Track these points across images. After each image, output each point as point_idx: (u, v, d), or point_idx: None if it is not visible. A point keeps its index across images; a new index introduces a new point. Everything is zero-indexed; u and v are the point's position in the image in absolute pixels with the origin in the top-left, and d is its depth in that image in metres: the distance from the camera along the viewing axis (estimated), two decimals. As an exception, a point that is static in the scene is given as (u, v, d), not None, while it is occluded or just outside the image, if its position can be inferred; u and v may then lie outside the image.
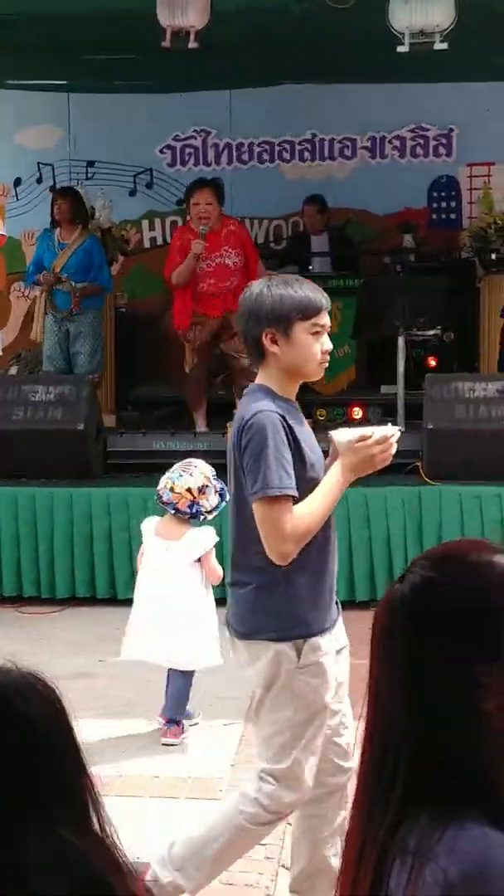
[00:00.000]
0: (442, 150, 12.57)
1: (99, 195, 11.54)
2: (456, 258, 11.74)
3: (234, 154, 12.83)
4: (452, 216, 12.60)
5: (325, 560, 3.91)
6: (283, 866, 4.59)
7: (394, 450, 3.86)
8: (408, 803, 1.66)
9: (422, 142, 12.60)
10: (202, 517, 6.01)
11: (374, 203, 12.41)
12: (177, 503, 5.95)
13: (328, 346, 3.90)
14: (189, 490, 5.94)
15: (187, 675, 6.02)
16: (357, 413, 9.68)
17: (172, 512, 5.99)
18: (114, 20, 9.55)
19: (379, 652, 1.75)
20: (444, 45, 8.28)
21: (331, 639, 3.89)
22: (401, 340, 9.22)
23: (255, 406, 3.80)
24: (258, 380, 3.96)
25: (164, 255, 9.97)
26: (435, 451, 8.21)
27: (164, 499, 6.00)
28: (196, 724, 6.20)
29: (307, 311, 3.83)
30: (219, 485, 6.05)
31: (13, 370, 11.49)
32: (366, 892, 1.68)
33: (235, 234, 9.52)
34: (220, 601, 6.20)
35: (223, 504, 6.06)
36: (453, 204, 12.61)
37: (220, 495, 6.01)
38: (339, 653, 3.97)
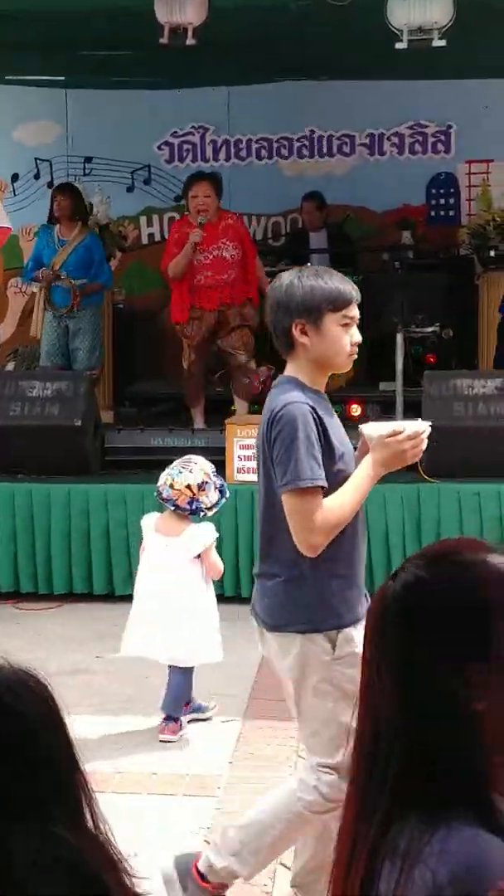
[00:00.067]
0: (440, 146, 12.57)
1: (96, 191, 11.53)
2: (454, 255, 11.75)
3: (233, 151, 12.83)
4: (451, 213, 12.60)
5: (355, 552, 3.92)
6: (281, 864, 4.58)
7: (424, 445, 3.87)
8: (398, 803, 1.65)
9: (420, 139, 12.60)
10: (202, 514, 6.01)
11: (372, 200, 12.40)
12: (176, 500, 5.95)
13: (357, 337, 3.91)
14: (189, 486, 5.94)
15: (187, 672, 6.02)
16: (356, 410, 9.67)
17: (172, 508, 5.99)
18: (112, 17, 9.54)
19: (371, 650, 1.75)
20: (443, 42, 8.27)
21: (362, 630, 3.90)
22: (399, 337, 9.21)
23: (285, 397, 3.81)
24: (287, 371, 3.96)
25: (161, 252, 9.95)
26: (434, 448, 8.17)
27: (164, 495, 6.00)
28: (209, 718, 6.21)
29: (338, 303, 3.84)
30: (218, 481, 6.07)
31: (10, 366, 11.47)
32: (356, 893, 1.67)
33: (234, 228, 9.52)
34: (220, 598, 6.24)
35: (223, 500, 6.08)
36: (452, 201, 12.61)
37: (220, 492, 6.03)
38: None
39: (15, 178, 13.02)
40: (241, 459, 8.31)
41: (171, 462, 6.21)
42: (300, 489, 3.70)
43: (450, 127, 12.47)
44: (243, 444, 8.33)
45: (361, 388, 10.50)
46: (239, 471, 8.25)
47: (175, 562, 5.98)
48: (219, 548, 6.21)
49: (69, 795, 1.65)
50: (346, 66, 11.41)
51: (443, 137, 12.54)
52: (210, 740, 5.99)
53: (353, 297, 3.88)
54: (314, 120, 12.60)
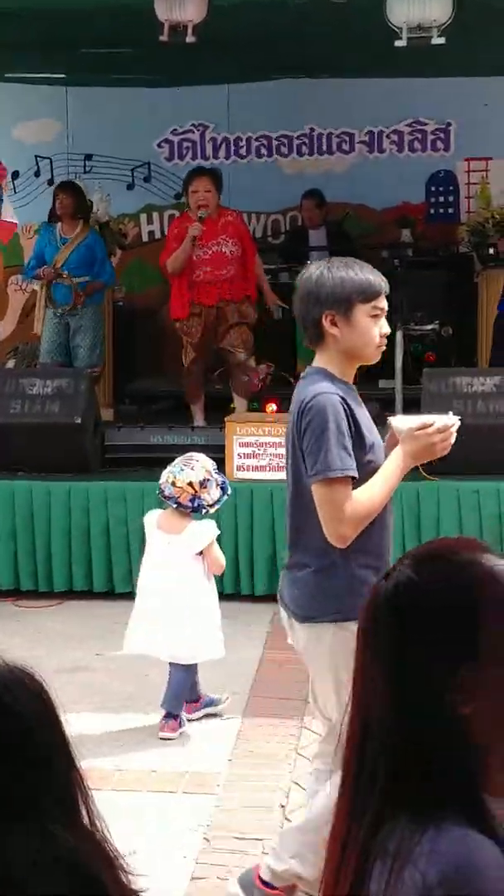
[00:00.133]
0: (440, 144, 12.57)
1: (97, 189, 11.54)
2: (454, 253, 11.75)
3: (232, 148, 12.83)
4: (450, 211, 12.60)
5: (384, 543, 3.94)
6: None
7: (453, 439, 3.88)
8: (389, 803, 1.65)
9: (420, 136, 12.60)
10: (204, 511, 6.03)
11: (371, 197, 12.40)
12: (178, 497, 5.97)
13: (386, 329, 3.94)
14: (190, 484, 5.96)
15: (188, 670, 6.03)
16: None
17: (174, 506, 6.01)
18: (112, 14, 9.53)
19: (363, 649, 1.75)
20: (442, 40, 8.27)
21: None
22: (399, 335, 9.20)
23: (315, 388, 3.82)
24: (316, 362, 3.98)
25: (161, 249, 9.95)
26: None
27: (166, 493, 6.02)
28: (219, 712, 6.22)
29: (368, 294, 3.87)
30: (220, 478, 6.09)
31: (10, 363, 11.48)
32: (346, 893, 1.68)
33: (233, 225, 9.52)
34: (220, 595, 6.24)
35: (225, 497, 6.10)
36: (451, 199, 12.61)
37: (222, 488, 6.05)
38: None
39: (15, 175, 13.00)
40: (240, 457, 8.32)
41: (171, 460, 6.23)
42: (330, 479, 3.72)
43: (449, 125, 12.47)
44: (243, 441, 8.33)
45: (360, 386, 10.33)
46: (238, 468, 8.26)
47: (177, 559, 6.00)
48: (219, 545, 6.22)
49: (66, 793, 1.66)
50: (346, 64, 11.40)
51: (442, 135, 12.54)
52: (210, 738, 6.00)
53: (383, 289, 3.91)
54: (314, 118, 12.60)
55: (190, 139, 12.90)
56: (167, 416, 10.42)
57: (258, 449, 8.31)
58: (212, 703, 6.22)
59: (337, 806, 1.74)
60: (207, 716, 6.22)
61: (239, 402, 9.75)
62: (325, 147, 12.72)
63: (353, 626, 3.82)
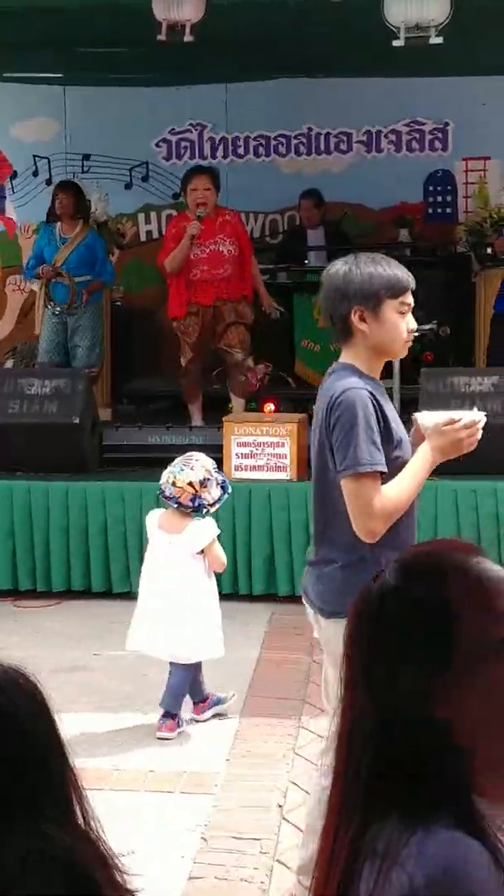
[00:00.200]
0: (438, 144, 12.56)
1: (95, 188, 11.54)
2: (452, 252, 11.75)
3: (230, 148, 12.82)
4: (448, 210, 12.59)
5: (410, 538, 3.94)
6: (278, 861, 4.60)
7: (479, 435, 3.89)
8: (375, 802, 1.65)
9: (417, 136, 12.59)
10: (205, 510, 6.04)
11: (369, 197, 12.39)
12: (179, 497, 5.98)
13: (413, 324, 3.95)
14: (191, 484, 5.97)
15: (188, 669, 6.03)
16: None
17: (175, 506, 6.02)
18: (110, 14, 9.54)
19: (349, 647, 1.75)
20: (440, 40, 8.27)
21: None
22: (397, 335, 9.21)
23: (344, 383, 3.84)
24: (343, 358, 3.99)
25: (159, 249, 9.95)
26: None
27: (167, 493, 6.03)
28: (226, 710, 6.22)
29: (396, 290, 3.88)
30: (220, 477, 6.11)
31: (9, 363, 11.48)
32: (334, 893, 1.68)
33: (231, 225, 9.53)
34: (218, 595, 6.25)
35: (225, 496, 6.12)
36: (449, 198, 12.61)
37: (222, 487, 6.07)
38: None
39: (13, 175, 13.01)
40: (238, 457, 8.32)
41: (169, 459, 6.24)
42: (359, 474, 3.73)
43: (447, 124, 12.46)
44: (241, 441, 8.33)
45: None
46: (237, 468, 8.26)
47: (178, 559, 6.01)
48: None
49: (60, 793, 1.66)
50: (344, 64, 11.40)
51: (440, 135, 12.53)
52: (207, 738, 6.00)
53: (411, 285, 3.93)
54: (312, 117, 12.59)
55: (188, 139, 12.89)
56: (165, 415, 10.42)
57: (256, 449, 8.32)
58: (219, 701, 6.23)
59: (328, 803, 1.74)
60: (223, 714, 6.23)
61: (236, 403, 9.75)
62: (323, 147, 12.72)
63: None
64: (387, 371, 9.31)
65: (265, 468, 8.29)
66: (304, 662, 6.89)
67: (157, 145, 12.90)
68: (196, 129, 12.87)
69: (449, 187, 12.58)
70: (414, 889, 1.54)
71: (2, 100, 12.75)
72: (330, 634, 3.95)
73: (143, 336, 12.09)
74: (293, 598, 8.04)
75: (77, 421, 8.82)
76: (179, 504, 6.01)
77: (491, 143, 12.09)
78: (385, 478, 3.78)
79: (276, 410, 9.04)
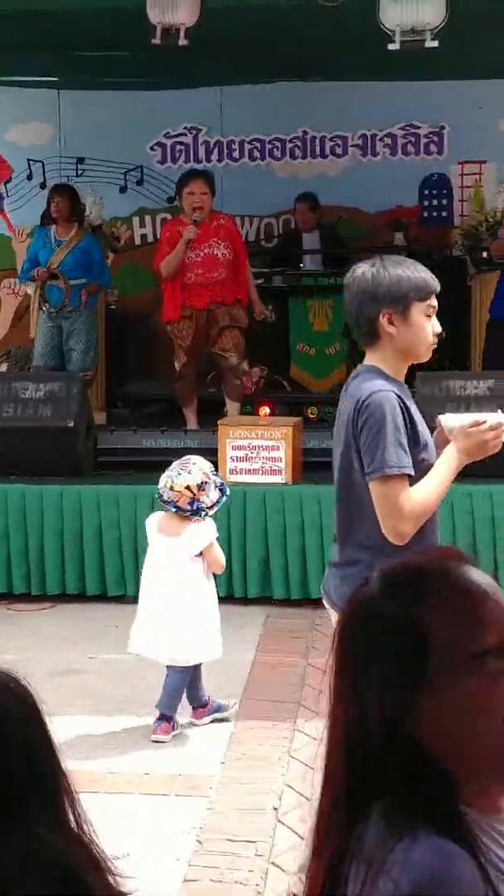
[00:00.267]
0: (433, 147, 12.56)
1: (89, 192, 11.53)
2: (447, 256, 11.74)
3: (225, 151, 12.81)
4: (444, 214, 12.59)
5: (435, 540, 3.97)
6: (273, 864, 4.59)
7: None
8: (362, 807, 1.65)
9: (413, 139, 12.58)
10: (203, 513, 6.03)
11: (365, 201, 12.39)
12: (177, 501, 5.99)
13: (438, 328, 3.96)
14: (188, 487, 5.97)
15: (186, 672, 6.03)
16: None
17: (174, 510, 6.02)
18: (104, 17, 9.54)
19: (335, 658, 1.75)
20: (435, 43, 8.29)
21: None
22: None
23: (371, 385, 3.84)
24: (368, 361, 4.00)
25: (154, 252, 9.96)
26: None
27: (165, 497, 6.03)
28: (227, 718, 6.21)
29: (424, 292, 3.91)
30: (218, 480, 6.12)
31: (3, 367, 11.47)
32: (318, 891, 1.68)
33: (225, 229, 9.54)
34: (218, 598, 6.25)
35: (224, 499, 6.12)
36: (444, 202, 12.60)
37: (221, 490, 6.08)
38: None
39: (8, 179, 13.00)
40: (233, 460, 8.32)
41: (164, 463, 6.26)
42: (387, 476, 3.75)
43: (443, 128, 12.46)
44: (236, 444, 8.33)
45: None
46: (232, 472, 8.26)
47: (177, 561, 6.02)
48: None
49: (52, 797, 1.65)
50: (339, 67, 11.41)
51: (435, 138, 12.53)
52: (202, 741, 5.99)
53: (436, 287, 3.95)
54: (307, 121, 12.58)
55: (183, 142, 12.88)
56: (160, 419, 10.43)
57: (251, 452, 8.32)
58: (220, 709, 6.22)
59: (318, 805, 1.74)
60: (226, 719, 6.21)
61: (231, 406, 9.74)
62: (318, 150, 12.71)
63: None
64: (382, 374, 9.38)
65: (260, 471, 8.29)
66: (300, 665, 6.89)
67: (151, 149, 12.89)
68: (191, 133, 12.86)
69: (444, 191, 12.58)
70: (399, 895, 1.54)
71: (-3, 104, 12.75)
72: None
73: (137, 340, 12.09)
74: (288, 602, 8.06)
75: (72, 424, 8.81)
76: (178, 508, 6.01)
77: (487, 147, 12.10)
78: (411, 480, 3.79)
79: (272, 414, 9.04)
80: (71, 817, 1.66)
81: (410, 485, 3.78)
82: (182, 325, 9.55)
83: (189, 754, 5.82)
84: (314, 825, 1.73)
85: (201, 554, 6.03)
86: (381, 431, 3.74)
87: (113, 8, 9.21)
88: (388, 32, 8.33)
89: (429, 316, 3.92)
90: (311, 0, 8.52)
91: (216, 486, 6.07)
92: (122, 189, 12.83)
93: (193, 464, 6.08)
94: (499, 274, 10.75)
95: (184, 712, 6.13)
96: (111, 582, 8.28)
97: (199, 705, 6.18)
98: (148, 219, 12.92)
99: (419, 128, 12.52)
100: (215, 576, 6.26)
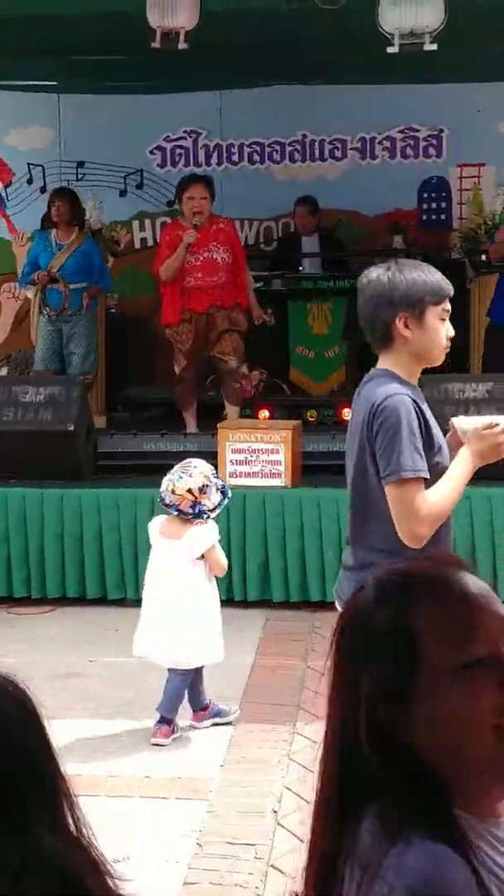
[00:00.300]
0: (432, 150, 12.57)
1: (89, 196, 11.53)
2: (446, 259, 11.72)
3: (225, 155, 12.82)
4: (443, 217, 12.60)
5: (449, 542, 3.98)
6: (272, 866, 4.60)
7: None
8: (356, 809, 1.66)
9: (412, 143, 12.60)
10: (205, 516, 6.04)
11: (364, 204, 12.40)
12: (179, 504, 5.99)
13: (451, 332, 3.96)
14: (190, 491, 5.98)
15: (187, 674, 6.03)
16: (348, 414, 9.65)
17: (175, 514, 6.02)
18: (104, 21, 9.55)
19: (332, 662, 1.76)
20: (434, 46, 8.29)
21: None
22: (391, 341, 9.20)
23: (386, 389, 3.84)
24: (382, 364, 4.00)
25: (154, 256, 9.97)
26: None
27: (167, 501, 6.04)
28: (230, 722, 6.21)
29: (439, 296, 3.90)
30: (219, 482, 6.12)
31: (3, 371, 11.49)
32: (313, 890, 1.69)
33: (225, 233, 9.54)
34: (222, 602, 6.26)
35: (225, 501, 6.12)
36: (443, 205, 12.61)
37: (222, 492, 6.08)
38: None
39: (8, 183, 13.01)
40: (233, 464, 8.33)
41: (164, 466, 6.26)
42: (403, 480, 3.75)
43: (441, 131, 12.47)
44: (236, 448, 8.34)
45: (353, 393, 10.48)
46: (231, 475, 8.26)
47: (178, 564, 6.02)
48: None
49: (51, 800, 1.65)
50: (339, 70, 11.42)
51: (434, 141, 12.54)
52: (202, 744, 6.00)
53: (450, 291, 3.95)
54: (306, 124, 12.60)
55: (182, 146, 12.89)
56: (160, 423, 10.43)
57: (251, 455, 8.32)
58: (220, 713, 6.22)
59: (314, 806, 1.75)
60: (229, 723, 6.21)
61: (230, 410, 9.75)
62: (317, 154, 12.72)
63: None
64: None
65: (260, 475, 8.29)
66: (299, 668, 6.89)
67: (151, 152, 12.90)
68: (191, 137, 12.87)
69: (443, 194, 12.59)
70: None
71: (-3, 108, 12.76)
72: None
73: (137, 343, 12.10)
74: (287, 605, 8.07)
75: (72, 428, 8.82)
76: (180, 511, 6.01)
77: (486, 150, 12.11)
78: (426, 484, 3.79)
79: (271, 417, 9.04)
80: (70, 821, 1.67)
81: (425, 488, 3.79)
82: (182, 329, 9.56)
83: (189, 757, 5.83)
84: (310, 825, 1.74)
85: (203, 557, 6.04)
86: (397, 435, 3.75)
87: (115, 12, 9.21)
88: (387, 35, 8.34)
89: (443, 319, 3.92)
90: (310, 3, 8.53)
91: (217, 489, 6.08)
92: (122, 193, 12.84)
93: (195, 467, 6.09)
94: (497, 276, 10.76)
95: (184, 715, 6.14)
96: (111, 585, 8.28)
97: (200, 708, 6.18)
98: (148, 222, 12.94)
99: (418, 131, 12.54)
100: (216, 579, 6.27)
